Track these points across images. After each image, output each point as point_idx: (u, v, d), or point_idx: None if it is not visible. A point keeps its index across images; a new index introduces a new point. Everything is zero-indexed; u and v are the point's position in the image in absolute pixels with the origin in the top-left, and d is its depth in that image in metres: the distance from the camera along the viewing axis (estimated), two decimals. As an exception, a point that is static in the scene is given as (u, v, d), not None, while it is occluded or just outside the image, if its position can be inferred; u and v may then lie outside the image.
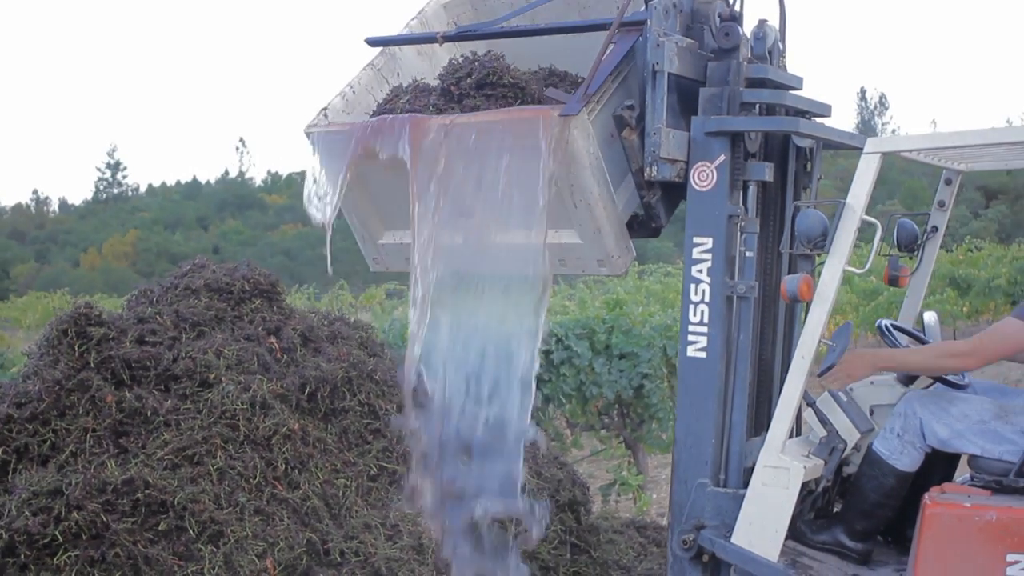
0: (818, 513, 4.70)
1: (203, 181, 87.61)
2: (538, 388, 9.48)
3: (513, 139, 4.52)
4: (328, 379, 4.52)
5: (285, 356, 4.61)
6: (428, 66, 5.57)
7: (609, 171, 4.76)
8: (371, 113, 5.36)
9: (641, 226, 5.08)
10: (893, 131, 77.79)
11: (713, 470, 4.62)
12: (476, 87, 4.90)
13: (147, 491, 3.89)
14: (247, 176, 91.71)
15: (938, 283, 21.77)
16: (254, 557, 3.91)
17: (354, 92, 5.45)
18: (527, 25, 5.26)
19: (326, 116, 5.28)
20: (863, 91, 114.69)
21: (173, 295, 4.83)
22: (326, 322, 4.99)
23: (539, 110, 4.59)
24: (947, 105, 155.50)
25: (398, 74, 5.56)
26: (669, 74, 4.56)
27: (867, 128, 79.16)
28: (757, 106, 4.70)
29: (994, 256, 25.97)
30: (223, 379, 4.38)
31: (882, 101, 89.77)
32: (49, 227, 70.69)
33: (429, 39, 5.47)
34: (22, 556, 3.71)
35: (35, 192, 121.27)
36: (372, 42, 5.57)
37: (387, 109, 5.21)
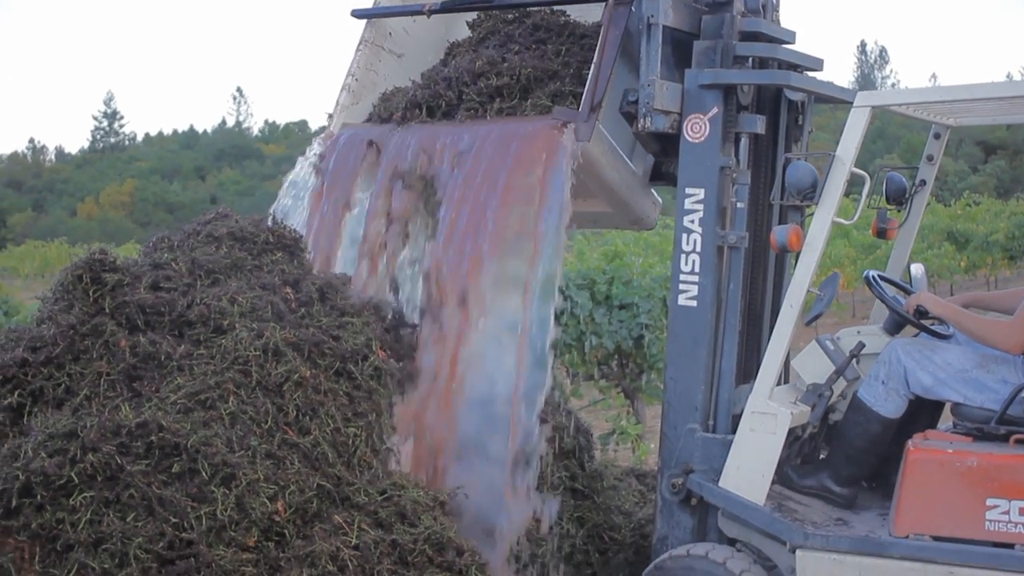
0: (804, 459, 4.81)
1: (200, 131, 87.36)
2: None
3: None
4: (360, 353, 4.57)
5: (302, 309, 4.67)
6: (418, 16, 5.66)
7: (623, 147, 4.95)
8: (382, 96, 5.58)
9: (664, 174, 5.24)
10: (893, 85, 77.35)
11: (702, 416, 4.73)
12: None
13: (161, 434, 3.92)
14: (244, 126, 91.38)
15: (936, 237, 21.82)
16: (265, 499, 3.95)
17: (356, 80, 5.61)
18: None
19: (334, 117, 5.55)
20: (863, 44, 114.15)
21: (195, 241, 4.88)
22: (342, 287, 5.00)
23: (548, 135, 4.76)
24: (948, 59, 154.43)
25: (390, 34, 5.64)
26: (664, 27, 4.62)
27: (867, 82, 78.70)
28: (750, 59, 4.76)
29: (992, 211, 25.99)
30: (237, 326, 4.40)
31: (882, 55, 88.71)
32: (46, 176, 70.47)
33: (415, 12, 5.55)
34: (38, 496, 3.75)
35: (32, 141, 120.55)
36: (358, 14, 5.65)
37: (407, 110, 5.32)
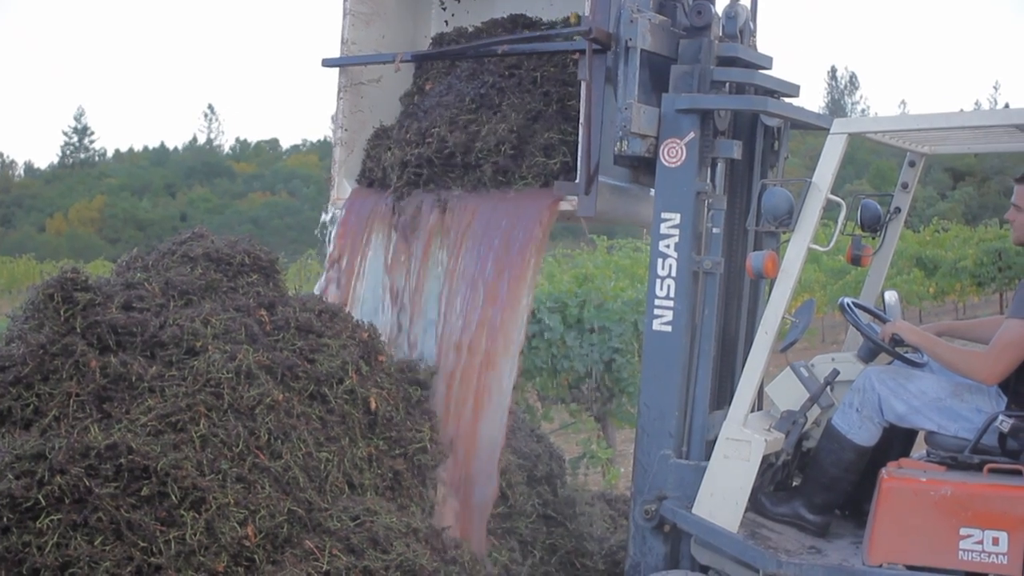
0: (778, 486, 4.79)
1: (171, 147, 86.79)
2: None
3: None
4: (335, 376, 4.57)
5: (279, 333, 4.63)
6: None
7: (623, 179, 5.03)
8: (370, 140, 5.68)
9: None
10: (863, 111, 78.06)
11: (676, 442, 4.71)
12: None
13: (130, 456, 3.88)
14: (215, 143, 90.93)
15: (905, 263, 21.97)
16: (235, 524, 3.93)
17: (346, 129, 5.61)
18: (486, 49, 5.37)
19: (337, 178, 5.64)
20: (833, 70, 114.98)
21: (170, 261, 4.84)
22: (319, 310, 4.98)
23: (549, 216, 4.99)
24: (918, 85, 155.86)
25: (366, 66, 5.65)
26: (642, 50, 4.62)
27: (837, 108, 79.34)
28: (727, 84, 4.77)
29: (961, 237, 26.20)
30: (209, 348, 4.37)
31: (852, 81, 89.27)
32: (14, 191, 69.68)
33: (385, 60, 5.59)
34: (4, 519, 3.70)
35: (0, 155, 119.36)
36: (328, 63, 5.65)
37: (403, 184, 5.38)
